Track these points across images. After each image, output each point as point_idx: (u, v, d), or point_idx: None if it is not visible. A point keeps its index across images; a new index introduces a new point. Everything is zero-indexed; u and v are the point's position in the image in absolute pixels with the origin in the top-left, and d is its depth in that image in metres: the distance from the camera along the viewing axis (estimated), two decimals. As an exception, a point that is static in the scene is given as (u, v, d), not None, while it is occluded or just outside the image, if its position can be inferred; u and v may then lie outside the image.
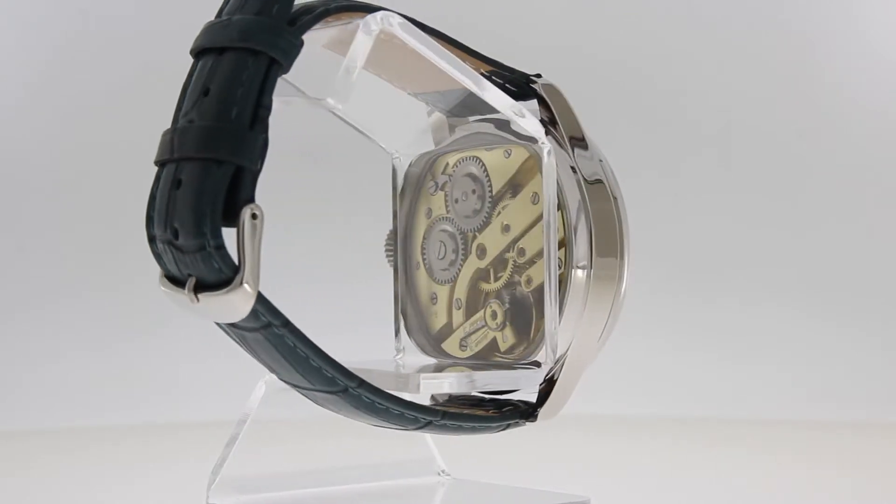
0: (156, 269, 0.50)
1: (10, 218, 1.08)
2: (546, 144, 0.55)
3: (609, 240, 0.54)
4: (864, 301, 1.09)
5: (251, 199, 0.46)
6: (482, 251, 0.59)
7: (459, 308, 0.60)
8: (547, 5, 1.14)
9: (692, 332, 1.08)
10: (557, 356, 0.55)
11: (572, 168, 0.55)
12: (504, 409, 0.56)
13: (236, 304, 0.47)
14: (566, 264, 0.54)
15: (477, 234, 0.59)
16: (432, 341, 0.61)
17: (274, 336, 0.49)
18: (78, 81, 1.10)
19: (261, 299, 0.47)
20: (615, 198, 0.55)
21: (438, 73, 0.55)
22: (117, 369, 1.03)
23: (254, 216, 0.46)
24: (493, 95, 0.54)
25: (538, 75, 0.58)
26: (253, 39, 0.48)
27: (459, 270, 0.60)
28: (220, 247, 0.46)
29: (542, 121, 0.56)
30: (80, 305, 1.06)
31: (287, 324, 0.49)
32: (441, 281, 0.61)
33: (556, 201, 0.55)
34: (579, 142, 0.56)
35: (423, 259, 0.61)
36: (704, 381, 1.04)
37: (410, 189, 0.62)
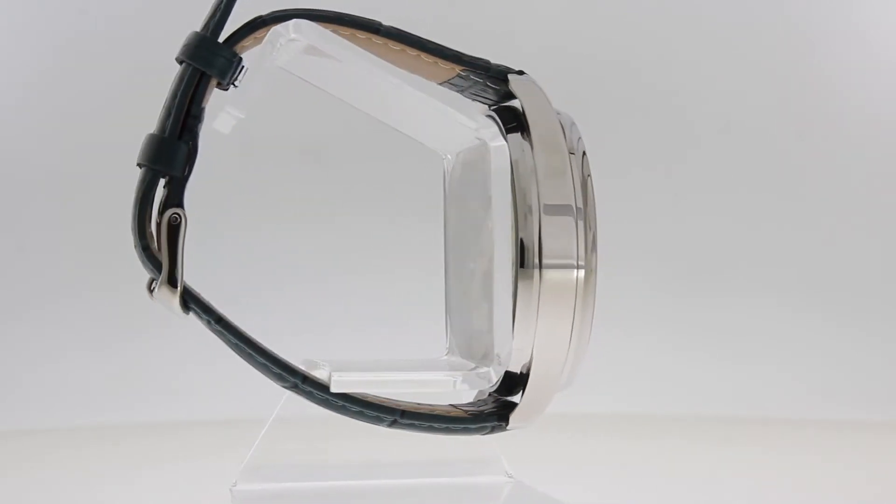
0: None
1: (10, 218, 1.08)
2: (501, 146, 0.54)
3: (563, 244, 0.52)
4: (864, 300, 1.09)
5: (176, 204, 0.52)
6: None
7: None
8: (547, 6, 1.14)
9: (692, 331, 1.08)
10: (523, 362, 0.53)
11: (531, 169, 0.53)
12: (483, 412, 0.55)
13: (166, 301, 0.52)
14: (515, 268, 0.53)
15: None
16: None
17: (218, 332, 0.53)
18: (78, 81, 1.10)
19: (190, 297, 0.52)
20: (576, 199, 0.53)
21: (429, 67, 0.55)
22: (117, 369, 1.03)
23: (174, 219, 0.51)
24: (425, 100, 0.54)
25: (521, 72, 0.56)
26: (187, 54, 0.53)
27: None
28: (146, 248, 0.52)
29: (516, 119, 0.54)
30: (80, 305, 1.06)
31: (220, 320, 0.53)
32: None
33: (512, 202, 0.53)
34: (548, 141, 0.53)
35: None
36: (704, 380, 1.04)
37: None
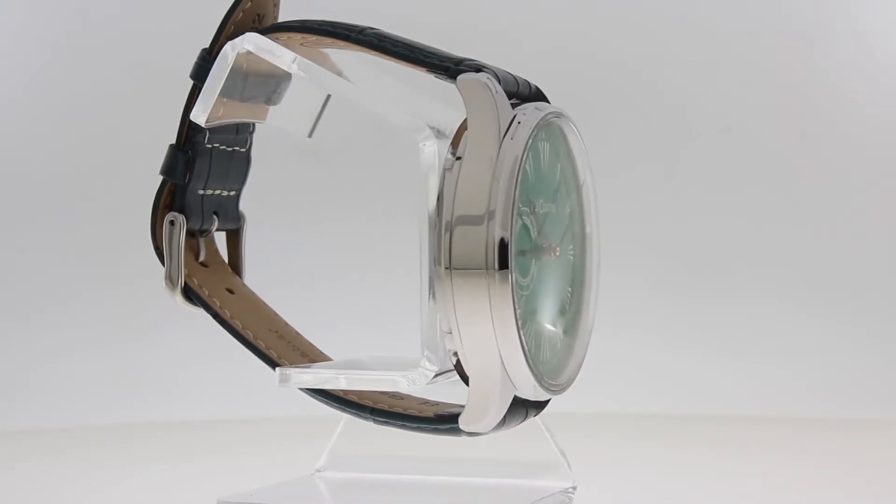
0: (155, 270, 0.59)
1: (10, 218, 1.08)
2: (426, 148, 0.53)
3: (473, 250, 0.51)
4: (864, 300, 1.09)
5: (178, 209, 0.57)
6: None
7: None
8: (547, 6, 1.14)
9: (692, 331, 1.08)
10: (455, 361, 0.52)
11: (447, 170, 0.52)
12: (447, 414, 0.55)
13: (170, 296, 0.57)
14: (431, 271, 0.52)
15: None
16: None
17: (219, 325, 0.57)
18: (79, 81, 1.10)
19: (192, 292, 0.57)
20: (491, 206, 0.51)
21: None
22: (117, 369, 1.03)
23: (171, 223, 0.57)
24: (371, 97, 0.54)
25: (478, 69, 0.53)
26: (191, 71, 0.57)
27: None
28: (157, 248, 0.57)
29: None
30: (81, 305, 1.06)
31: (216, 315, 0.57)
32: None
33: (436, 202, 0.52)
34: (475, 146, 0.52)
35: None
36: (704, 380, 1.04)
37: None
